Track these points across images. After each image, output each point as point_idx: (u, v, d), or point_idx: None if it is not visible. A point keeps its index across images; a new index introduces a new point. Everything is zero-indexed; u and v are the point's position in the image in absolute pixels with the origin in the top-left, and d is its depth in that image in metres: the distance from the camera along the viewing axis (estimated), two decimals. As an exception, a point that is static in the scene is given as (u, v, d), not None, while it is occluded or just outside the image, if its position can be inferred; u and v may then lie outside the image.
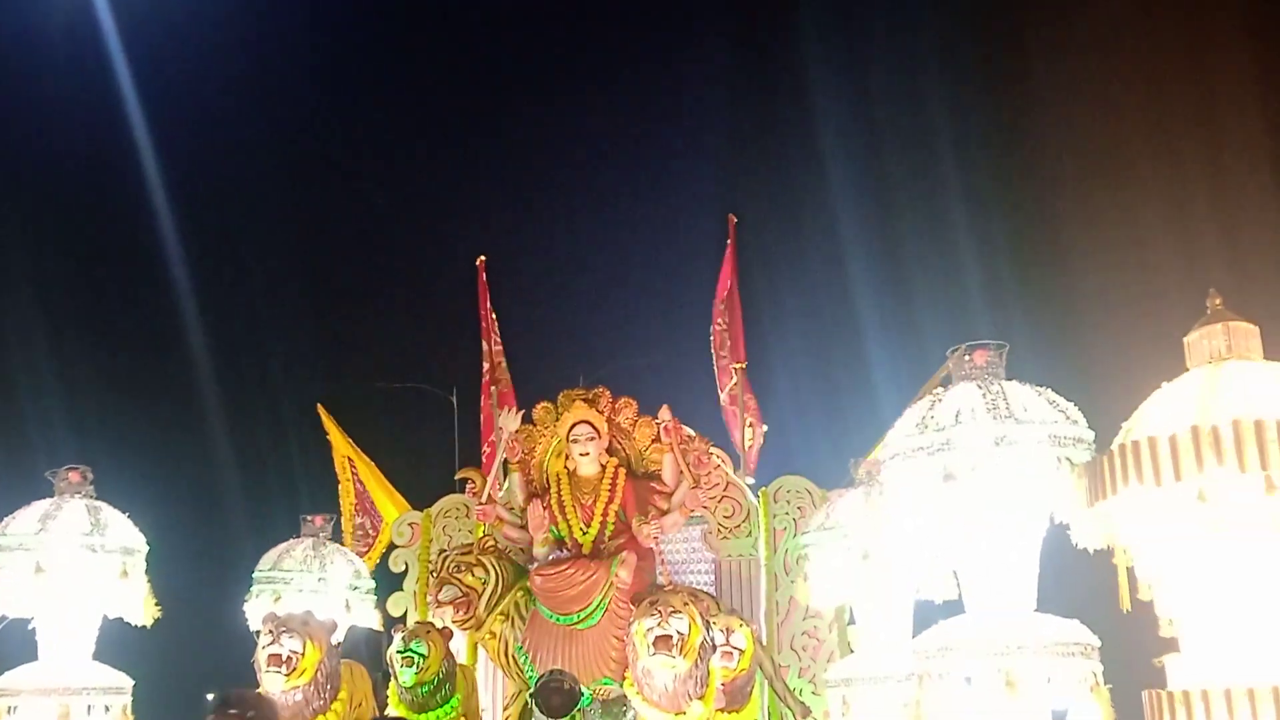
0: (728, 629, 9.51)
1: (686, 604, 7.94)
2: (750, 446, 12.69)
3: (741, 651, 9.56)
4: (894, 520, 6.99)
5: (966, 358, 7.06)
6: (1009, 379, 7.01)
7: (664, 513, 10.59)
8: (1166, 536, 5.66)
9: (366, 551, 13.15)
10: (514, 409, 11.76)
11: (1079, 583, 7.26)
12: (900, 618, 9.67)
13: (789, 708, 10.65)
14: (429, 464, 14.06)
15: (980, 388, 6.86)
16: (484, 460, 13.10)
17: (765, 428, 12.91)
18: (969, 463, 6.60)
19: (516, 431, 11.29)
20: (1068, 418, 6.76)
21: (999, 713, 6.59)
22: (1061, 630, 6.60)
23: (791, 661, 11.49)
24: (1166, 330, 6.24)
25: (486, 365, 13.41)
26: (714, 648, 8.62)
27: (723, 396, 12.96)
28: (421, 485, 13.32)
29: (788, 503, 11.95)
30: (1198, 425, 5.41)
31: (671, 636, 7.65)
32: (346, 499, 13.23)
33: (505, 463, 11.34)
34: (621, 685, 9.33)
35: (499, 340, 13.45)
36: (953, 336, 7.41)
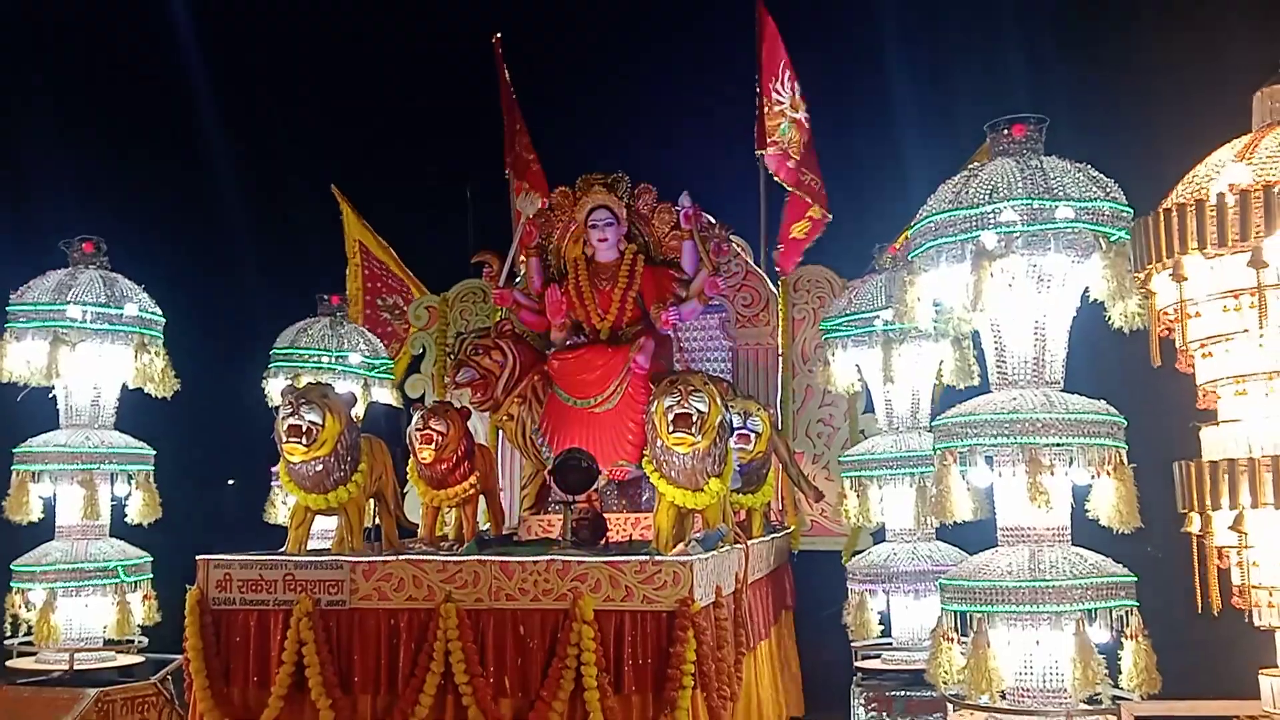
0: (745, 412, 9.52)
1: (706, 384, 7.89)
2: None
3: (758, 435, 9.60)
4: (923, 297, 6.86)
5: (1004, 132, 6.80)
6: (1048, 154, 6.77)
7: (682, 300, 10.49)
8: (1216, 300, 5.49)
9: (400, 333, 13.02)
10: (535, 191, 11.52)
11: (1108, 364, 7.17)
12: (922, 402, 9.69)
13: (802, 491, 10.78)
14: (445, 248, 13.86)
15: (1018, 163, 6.63)
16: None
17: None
18: (1003, 238, 6.43)
19: (534, 216, 11.13)
20: (1106, 194, 6.55)
21: (1019, 491, 6.60)
22: (1087, 409, 6.55)
23: (806, 448, 11.63)
24: (1228, 96, 5.90)
25: (522, 142, 12.99)
26: (731, 430, 8.63)
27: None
28: (438, 269, 13.20)
29: (808, 292, 11.92)
30: (1267, 184, 5.18)
31: (691, 415, 7.59)
32: (354, 281, 13.08)
33: (523, 248, 11.21)
34: (638, 467, 9.37)
35: (522, 120, 13.07)
36: (989, 114, 7.14)
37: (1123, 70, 12.41)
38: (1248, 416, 5.55)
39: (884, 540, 9.90)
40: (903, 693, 9.06)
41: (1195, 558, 5.48)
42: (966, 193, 6.60)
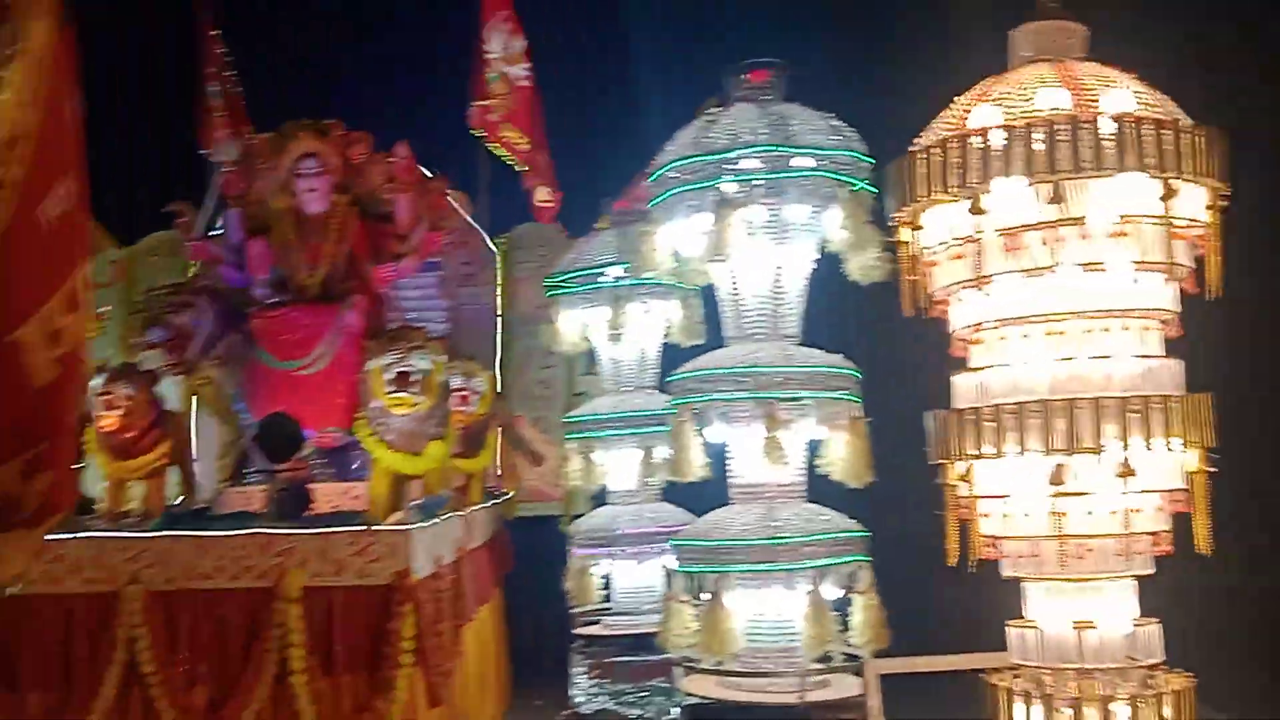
0: (466, 373, 9.06)
1: (428, 340, 7.38)
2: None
3: (480, 396, 9.16)
4: (662, 248, 6.55)
5: (744, 78, 6.56)
6: (789, 100, 6.58)
7: (398, 256, 9.94)
8: (950, 248, 5.40)
9: None
10: (232, 135, 10.64)
11: (846, 318, 7.10)
12: (648, 361, 9.47)
13: (522, 455, 10.43)
14: (132, 197, 12.65)
15: (759, 109, 6.40)
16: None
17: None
18: (744, 186, 6.18)
19: (235, 162, 10.28)
20: (847, 143, 6.41)
21: (754, 447, 6.42)
22: (823, 362, 6.41)
23: (526, 411, 11.29)
24: (997, 32, 5.77)
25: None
26: (451, 391, 8.18)
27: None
28: (126, 218, 12.04)
29: (529, 250, 11.58)
30: (983, 129, 5.11)
31: (412, 373, 7.07)
32: None
33: (222, 197, 10.38)
34: (349, 433, 8.79)
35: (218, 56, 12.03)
36: (717, 68, 6.88)
37: (874, 12, 12.22)
38: (987, 364, 5.52)
39: (605, 504, 9.66)
40: (624, 658, 8.87)
41: (947, 509, 5.40)
42: (707, 138, 6.33)
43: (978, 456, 5.31)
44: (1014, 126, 5.14)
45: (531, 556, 10.84)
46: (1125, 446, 5.10)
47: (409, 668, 6.43)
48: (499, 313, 11.36)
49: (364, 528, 6.58)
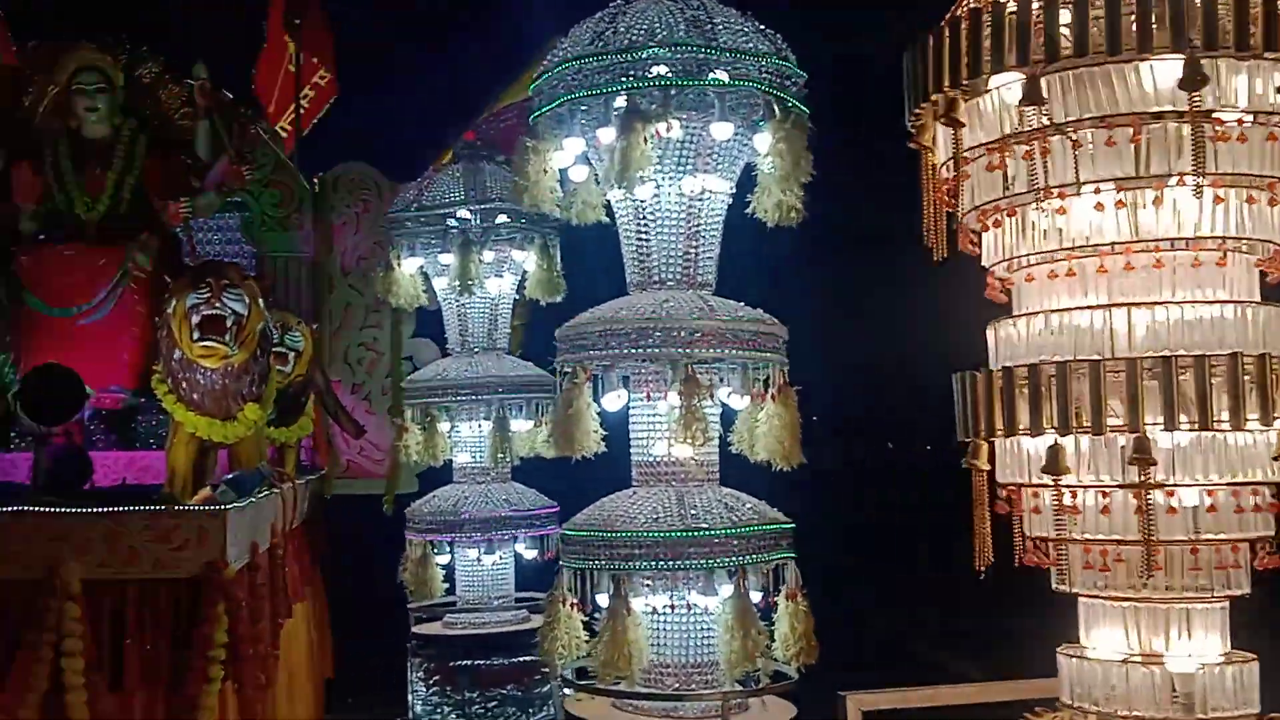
0: (283, 325, 7.80)
1: (245, 279, 6.11)
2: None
3: (298, 354, 7.95)
4: (550, 170, 5.37)
5: (655, -39, 5.42)
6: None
7: (196, 191, 8.81)
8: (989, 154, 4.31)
9: None
10: None
11: (759, 265, 6.11)
12: (500, 319, 8.35)
13: (341, 425, 9.21)
14: None
15: (675, 2, 5.29)
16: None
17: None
18: (660, 95, 5.06)
19: (-8, 72, 8.93)
20: (781, 53, 5.38)
21: (664, 414, 5.39)
22: (750, 316, 5.38)
23: (344, 376, 10.07)
24: None
25: None
26: (272, 343, 6.93)
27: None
28: None
29: (349, 194, 10.30)
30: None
31: (225, 317, 5.86)
32: None
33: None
34: (135, 394, 7.58)
35: None
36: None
37: None
38: (1022, 313, 4.47)
39: (445, 483, 8.53)
40: (469, 662, 7.91)
41: (980, 500, 4.34)
42: (614, 33, 5.18)
43: (996, 434, 4.28)
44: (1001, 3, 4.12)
45: (353, 540, 9.70)
46: (1138, 426, 4.06)
47: (220, 682, 5.37)
48: (315, 260, 10.02)
49: (165, 508, 5.45)
